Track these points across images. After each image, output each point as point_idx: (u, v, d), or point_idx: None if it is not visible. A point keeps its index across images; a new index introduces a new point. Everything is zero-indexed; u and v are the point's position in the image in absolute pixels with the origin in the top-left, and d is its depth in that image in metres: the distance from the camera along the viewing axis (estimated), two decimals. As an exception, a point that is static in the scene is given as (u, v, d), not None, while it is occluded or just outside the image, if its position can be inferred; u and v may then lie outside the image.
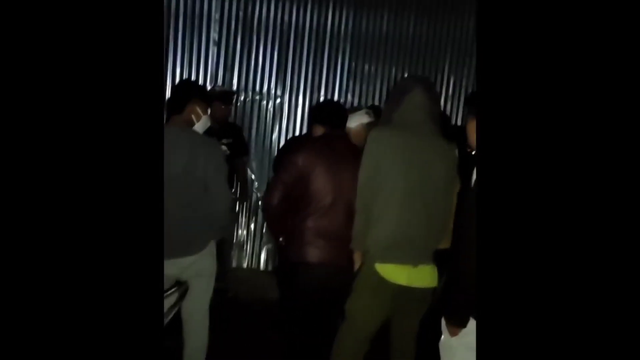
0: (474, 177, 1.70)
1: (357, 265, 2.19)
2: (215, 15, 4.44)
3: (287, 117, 4.68)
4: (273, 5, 4.50)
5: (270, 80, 4.60)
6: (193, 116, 2.33)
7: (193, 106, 2.33)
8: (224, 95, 3.79)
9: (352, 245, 2.16)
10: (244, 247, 4.64)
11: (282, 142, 4.54)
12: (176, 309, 1.04)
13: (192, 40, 4.43)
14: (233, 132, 3.92)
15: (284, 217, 2.37)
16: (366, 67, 4.75)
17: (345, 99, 4.74)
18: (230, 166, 3.76)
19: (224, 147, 3.79)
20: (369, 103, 4.53)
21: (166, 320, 1.03)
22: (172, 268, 2.28)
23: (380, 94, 4.78)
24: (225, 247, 3.96)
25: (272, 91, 4.61)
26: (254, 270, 4.70)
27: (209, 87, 4.27)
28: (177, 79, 4.41)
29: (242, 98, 4.55)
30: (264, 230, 4.67)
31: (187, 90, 2.41)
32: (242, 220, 4.68)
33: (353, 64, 4.72)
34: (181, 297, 1.05)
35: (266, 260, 4.73)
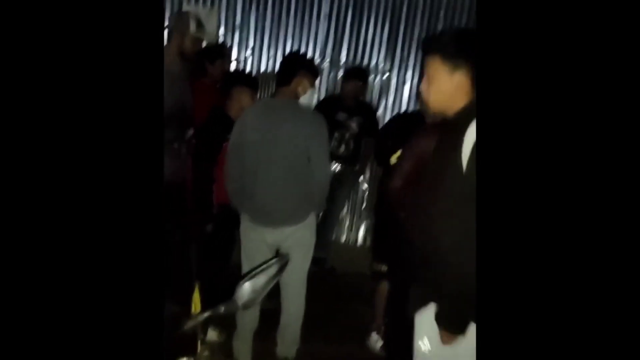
0: (464, 152, 1.37)
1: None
2: (328, -13, 4.42)
3: (395, 93, 4.57)
4: (386, -23, 4.37)
5: (379, 55, 4.51)
6: (300, 89, 2.35)
7: (300, 79, 2.35)
8: (358, 72, 3.80)
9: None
10: (343, 221, 4.68)
11: (388, 119, 4.46)
12: (275, 280, 1.05)
13: (303, 14, 4.46)
14: (365, 110, 3.93)
15: (406, 199, 2.36)
16: (482, 41, 4.45)
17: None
18: (355, 146, 3.85)
19: (353, 125, 3.84)
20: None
21: (266, 290, 1.05)
22: (273, 236, 2.37)
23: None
24: (330, 220, 4.03)
25: (380, 66, 4.52)
26: (351, 245, 4.73)
27: (317, 61, 4.31)
28: (287, 53, 4.48)
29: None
30: (363, 207, 4.66)
31: (295, 63, 2.44)
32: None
33: (467, 38, 4.45)
34: (281, 270, 1.06)
35: (364, 236, 4.73)
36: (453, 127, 1.46)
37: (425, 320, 1.50)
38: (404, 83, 4.55)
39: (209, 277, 2.27)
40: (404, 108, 4.51)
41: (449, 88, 1.46)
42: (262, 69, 4.56)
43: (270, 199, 2.32)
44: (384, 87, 4.55)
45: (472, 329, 1.40)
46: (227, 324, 2.59)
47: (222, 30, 4.49)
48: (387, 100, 4.55)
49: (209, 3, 4.52)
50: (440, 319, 1.45)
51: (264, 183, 2.30)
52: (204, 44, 3.17)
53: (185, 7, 4.39)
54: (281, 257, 1.08)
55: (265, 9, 4.47)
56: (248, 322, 2.51)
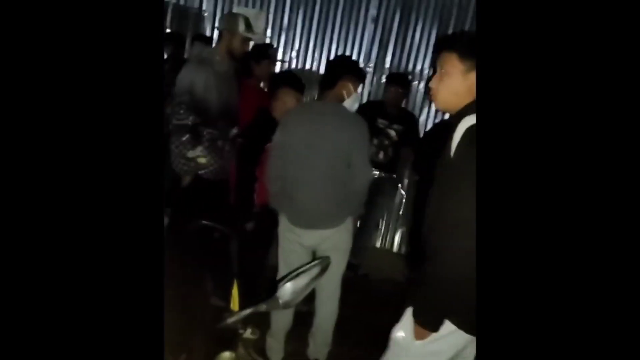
0: (453, 144, 1.38)
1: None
2: (376, -8, 4.41)
3: (438, 99, 4.51)
4: (435, -19, 4.32)
5: (424, 60, 4.46)
6: (344, 92, 2.35)
7: (345, 82, 2.35)
8: (399, 79, 3.79)
9: None
10: (378, 226, 4.65)
11: (430, 125, 4.41)
12: (316, 282, 1.07)
13: (350, 16, 4.47)
14: (406, 118, 3.90)
15: None
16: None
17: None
18: (394, 153, 3.83)
19: (392, 133, 3.82)
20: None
21: (307, 291, 1.06)
22: (309, 239, 2.38)
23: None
24: (366, 226, 4.02)
25: (425, 72, 4.47)
26: (386, 251, 4.70)
27: (362, 65, 4.30)
28: (332, 56, 4.50)
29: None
30: (400, 212, 4.63)
31: (340, 66, 2.45)
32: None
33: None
34: (322, 272, 1.07)
35: (400, 243, 4.69)
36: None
37: (409, 313, 1.52)
38: (448, 90, 4.48)
39: (247, 275, 2.30)
40: (446, 116, 4.45)
41: (461, 87, 1.45)
42: (307, 70, 4.60)
43: (309, 201, 2.33)
44: (428, 92, 4.50)
45: (446, 327, 1.41)
46: (261, 323, 2.62)
47: (269, 32, 4.55)
48: (430, 107, 4.50)
49: (258, 5, 4.60)
50: (415, 313, 1.45)
51: (303, 185, 2.32)
52: (252, 45, 3.22)
53: (235, 9, 4.48)
54: (323, 260, 1.09)
55: (312, 11, 4.51)
56: (282, 322, 2.53)
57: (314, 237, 2.39)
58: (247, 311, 1.02)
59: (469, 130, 1.34)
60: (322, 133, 2.26)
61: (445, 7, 4.33)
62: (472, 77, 1.44)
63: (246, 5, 4.59)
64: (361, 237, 3.86)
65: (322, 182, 2.29)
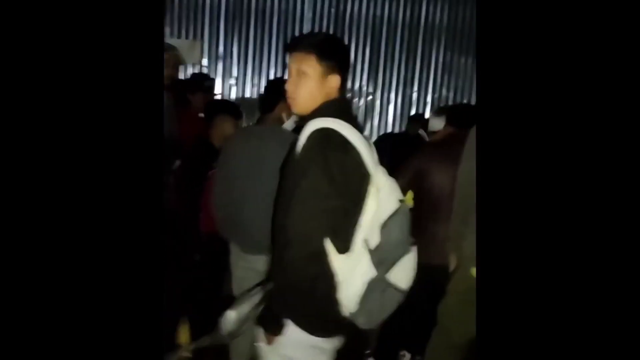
0: (299, 146, 1.37)
1: (451, 267, 2.10)
2: (308, 14, 4.49)
3: (379, 114, 4.61)
4: (365, 0, 4.46)
5: (362, 77, 4.56)
6: (283, 114, 2.36)
7: (283, 105, 2.35)
8: None
9: (447, 247, 2.08)
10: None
11: (374, 140, 4.49)
12: (260, 308, 1.04)
13: (285, 40, 4.52)
14: None
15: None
16: (462, 60, 4.53)
17: (440, 94, 4.56)
18: None
19: None
20: (466, 98, 4.33)
21: (250, 319, 1.02)
22: (263, 264, 2.34)
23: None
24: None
25: (364, 88, 4.57)
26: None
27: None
28: (271, 78, 4.52)
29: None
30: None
31: (278, 89, 2.45)
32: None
33: (448, 57, 4.53)
34: (265, 298, 1.04)
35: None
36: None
37: None
38: (388, 104, 4.59)
39: (198, 308, 2.23)
40: (389, 129, 4.55)
41: (319, 90, 1.42)
42: (247, 97, 4.60)
43: (255, 226, 2.30)
44: (369, 109, 4.59)
45: (290, 331, 1.34)
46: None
47: (205, 61, 4.53)
48: (372, 121, 4.59)
49: (191, 34, 4.57)
50: (259, 319, 1.38)
51: (249, 211, 2.28)
52: (186, 76, 3.20)
53: (168, 40, 4.44)
54: (264, 285, 1.07)
55: (247, 37, 4.53)
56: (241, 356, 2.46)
57: (266, 262, 2.35)
58: (191, 347, 0.98)
59: (316, 132, 1.33)
60: (263, 157, 2.25)
61: (376, 24, 4.47)
62: (332, 79, 1.41)
63: (179, 37, 4.56)
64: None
65: (267, 205, 2.26)
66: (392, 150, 2.97)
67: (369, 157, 1.33)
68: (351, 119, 1.38)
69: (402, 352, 2.83)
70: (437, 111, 3.14)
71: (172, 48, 2.81)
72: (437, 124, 2.72)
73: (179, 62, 2.86)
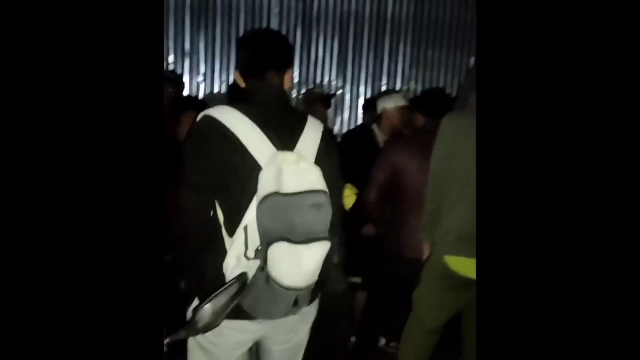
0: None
1: (425, 256, 2.13)
2: (275, 9, 4.46)
3: (349, 108, 4.63)
4: (332, -5, 4.46)
5: (330, 72, 4.57)
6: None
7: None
8: (324, 98, 3.81)
9: (421, 236, 2.10)
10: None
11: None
12: (236, 300, 1.02)
13: (253, 35, 4.48)
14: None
15: (382, 210, 2.42)
16: (429, 53, 4.59)
17: (408, 86, 4.61)
18: None
19: None
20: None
21: (227, 310, 1.01)
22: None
23: (445, 81, 4.60)
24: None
25: (333, 83, 4.58)
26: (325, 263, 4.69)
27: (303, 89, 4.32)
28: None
29: (302, 91, 4.55)
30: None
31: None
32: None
33: (415, 50, 4.58)
34: (240, 290, 1.03)
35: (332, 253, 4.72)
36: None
37: None
38: (357, 97, 4.61)
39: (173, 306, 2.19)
40: (359, 121, 4.58)
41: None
42: (217, 93, 4.55)
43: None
44: (339, 103, 4.60)
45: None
46: None
47: (171, 58, 4.45)
48: (342, 115, 4.61)
49: (156, 31, 4.48)
50: None
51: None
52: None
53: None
54: (240, 276, 1.06)
55: (213, 32, 4.47)
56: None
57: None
58: (165, 341, 0.96)
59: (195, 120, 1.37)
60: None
61: (344, 18, 4.47)
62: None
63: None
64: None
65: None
66: (359, 146, 2.98)
67: (260, 144, 1.27)
68: (254, 107, 1.32)
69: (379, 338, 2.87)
70: (382, 94, 3.19)
71: None
72: (386, 104, 2.84)
73: None
